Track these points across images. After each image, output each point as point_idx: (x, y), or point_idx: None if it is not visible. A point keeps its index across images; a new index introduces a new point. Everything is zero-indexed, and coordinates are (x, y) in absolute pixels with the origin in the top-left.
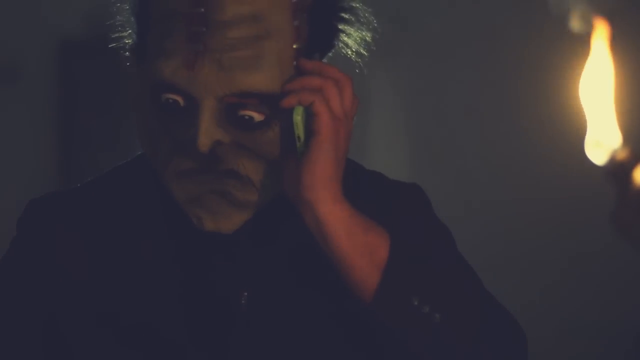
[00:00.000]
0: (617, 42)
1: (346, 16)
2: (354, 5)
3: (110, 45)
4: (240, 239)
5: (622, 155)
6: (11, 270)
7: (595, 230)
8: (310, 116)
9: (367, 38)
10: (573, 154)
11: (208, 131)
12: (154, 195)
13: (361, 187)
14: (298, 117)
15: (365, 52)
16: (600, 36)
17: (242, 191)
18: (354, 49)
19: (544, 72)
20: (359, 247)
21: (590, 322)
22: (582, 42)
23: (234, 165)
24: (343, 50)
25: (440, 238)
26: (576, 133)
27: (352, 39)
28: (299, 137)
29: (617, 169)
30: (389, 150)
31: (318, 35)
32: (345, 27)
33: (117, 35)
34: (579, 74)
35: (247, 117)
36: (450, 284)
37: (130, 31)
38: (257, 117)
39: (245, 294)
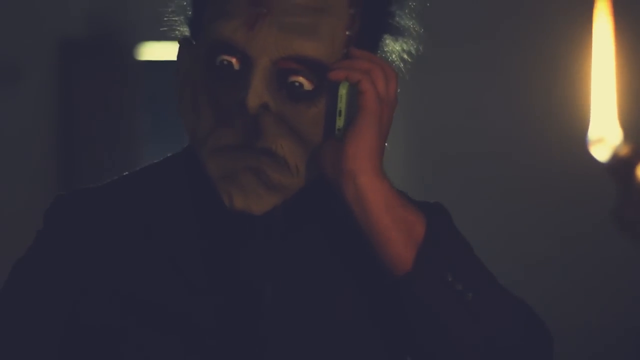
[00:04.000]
0: (619, 37)
1: (394, 21)
2: (402, 14)
3: (161, 29)
4: (269, 227)
5: (625, 151)
6: (36, 263)
7: (598, 228)
8: (355, 96)
9: (412, 48)
10: (575, 151)
11: (258, 91)
12: (184, 190)
13: None
14: (343, 91)
15: (410, 59)
16: (602, 24)
17: (277, 172)
18: (398, 55)
19: (543, 72)
20: (397, 220)
21: (592, 321)
22: (586, 37)
23: (272, 143)
24: (388, 55)
25: (466, 249)
26: (578, 130)
27: (398, 45)
28: (340, 112)
29: (620, 166)
30: (387, 153)
31: (368, 31)
32: (393, 32)
33: (169, 19)
34: (582, 70)
35: (296, 84)
36: (481, 274)
37: (182, 17)
38: (306, 85)
39: (270, 285)
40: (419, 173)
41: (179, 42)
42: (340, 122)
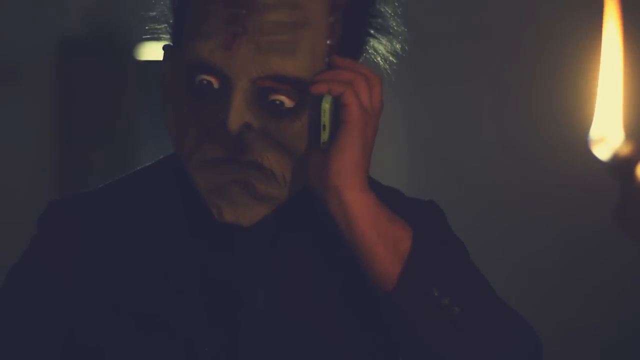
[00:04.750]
0: (626, 38)
1: (377, 22)
2: (385, 14)
3: (144, 37)
4: (259, 235)
5: (626, 150)
6: (30, 269)
7: (599, 227)
8: (339, 107)
9: (397, 47)
10: (576, 150)
11: (239, 111)
12: (175, 194)
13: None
14: (326, 105)
15: (395, 59)
16: (610, 25)
17: (264, 184)
18: (383, 56)
19: (544, 74)
20: (383, 235)
21: (592, 320)
22: (587, 39)
23: (258, 156)
24: (372, 57)
25: (458, 253)
26: (580, 129)
27: (382, 46)
28: (324, 126)
29: (621, 165)
30: (389, 154)
31: (350, 36)
32: (376, 33)
33: (151, 27)
34: (583, 71)
35: (277, 102)
36: (470, 284)
37: (164, 25)
38: (288, 103)
39: (262, 292)
40: (420, 177)
41: (163, 49)
42: (324, 136)
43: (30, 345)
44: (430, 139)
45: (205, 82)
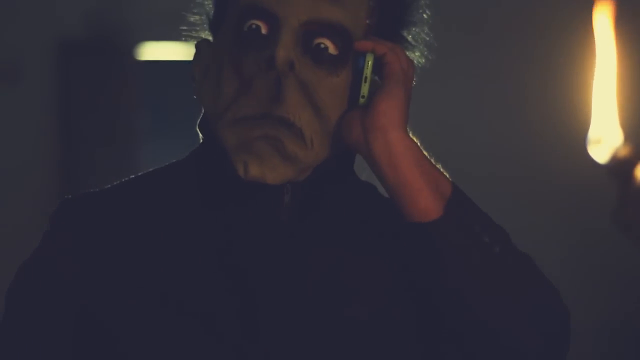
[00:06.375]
0: (619, 38)
1: (407, 33)
2: (415, 27)
3: (182, 28)
4: (278, 226)
5: (624, 152)
6: (44, 264)
7: (598, 229)
8: (376, 70)
9: (421, 60)
10: (575, 152)
11: (287, 46)
12: (193, 193)
13: (354, 196)
14: (370, 57)
15: (423, 61)
16: (604, 26)
17: (292, 143)
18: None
19: (543, 75)
20: (426, 174)
21: (591, 320)
22: (584, 40)
23: (291, 114)
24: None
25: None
26: (578, 131)
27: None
28: (365, 78)
29: (619, 167)
30: None
31: (384, 27)
32: (406, 43)
33: (192, 15)
34: (580, 73)
35: (322, 46)
36: (503, 233)
37: (202, 16)
38: (331, 48)
39: (270, 280)
40: None
41: (196, 46)
42: (365, 89)
43: (42, 341)
44: (429, 141)
45: (254, 26)
